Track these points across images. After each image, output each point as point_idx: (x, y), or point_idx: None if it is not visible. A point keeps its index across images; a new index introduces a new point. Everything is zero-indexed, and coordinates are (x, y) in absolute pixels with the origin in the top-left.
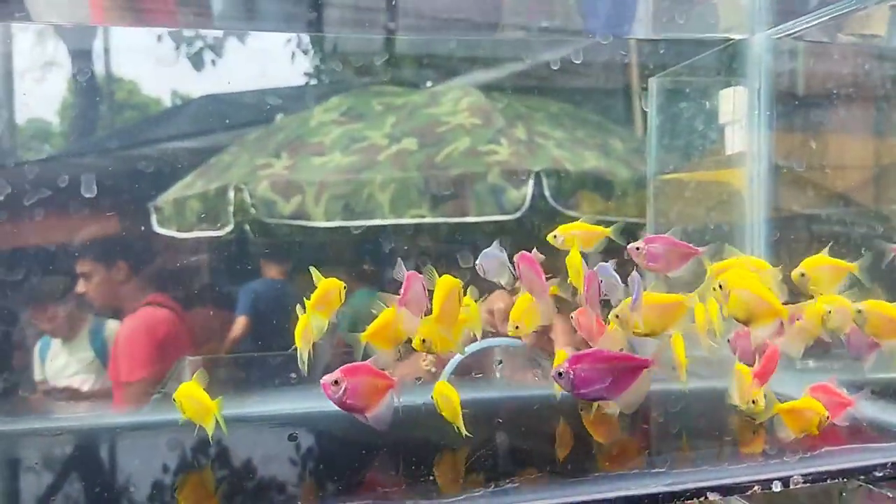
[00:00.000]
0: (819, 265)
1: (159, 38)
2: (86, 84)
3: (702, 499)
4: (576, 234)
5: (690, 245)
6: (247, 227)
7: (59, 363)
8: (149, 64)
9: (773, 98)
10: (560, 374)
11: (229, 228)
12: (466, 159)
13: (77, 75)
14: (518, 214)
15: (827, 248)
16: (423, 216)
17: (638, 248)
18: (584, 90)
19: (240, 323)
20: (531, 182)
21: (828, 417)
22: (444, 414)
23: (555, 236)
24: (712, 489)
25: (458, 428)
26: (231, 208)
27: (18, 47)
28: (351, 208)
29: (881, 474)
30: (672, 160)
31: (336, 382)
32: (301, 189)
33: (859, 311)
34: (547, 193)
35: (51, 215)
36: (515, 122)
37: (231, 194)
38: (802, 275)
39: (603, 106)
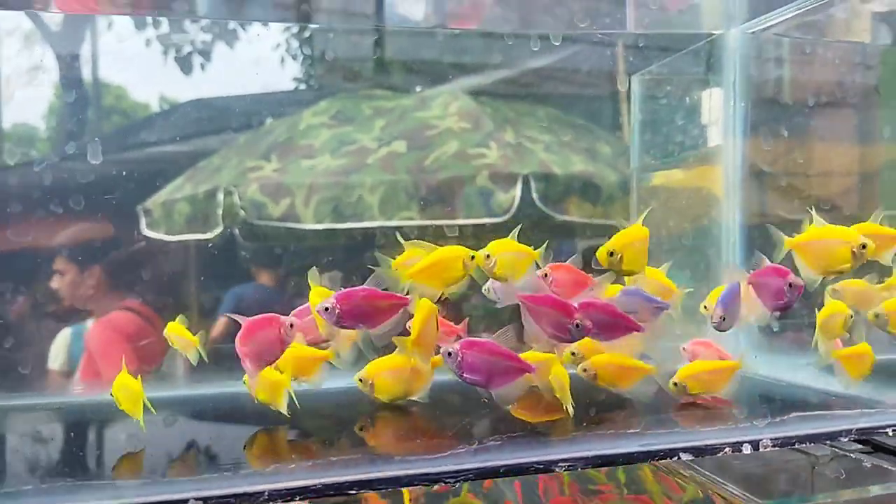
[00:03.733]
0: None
1: (147, 42)
2: (74, 88)
3: (675, 458)
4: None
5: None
6: (236, 230)
7: None
8: (137, 68)
9: (749, 93)
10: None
11: (218, 231)
12: (455, 162)
13: (65, 79)
14: (506, 217)
15: None
16: (411, 218)
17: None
18: (572, 95)
19: (220, 324)
20: (519, 185)
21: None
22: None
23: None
24: (685, 450)
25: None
26: (220, 211)
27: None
28: (340, 210)
29: (846, 439)
30: (653, 158)
31: None
32: (290, 192)
33: None
34: (535, 196)
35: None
36: (504, 126)
37: (220, 197)
38: None
39: (590, 110)
